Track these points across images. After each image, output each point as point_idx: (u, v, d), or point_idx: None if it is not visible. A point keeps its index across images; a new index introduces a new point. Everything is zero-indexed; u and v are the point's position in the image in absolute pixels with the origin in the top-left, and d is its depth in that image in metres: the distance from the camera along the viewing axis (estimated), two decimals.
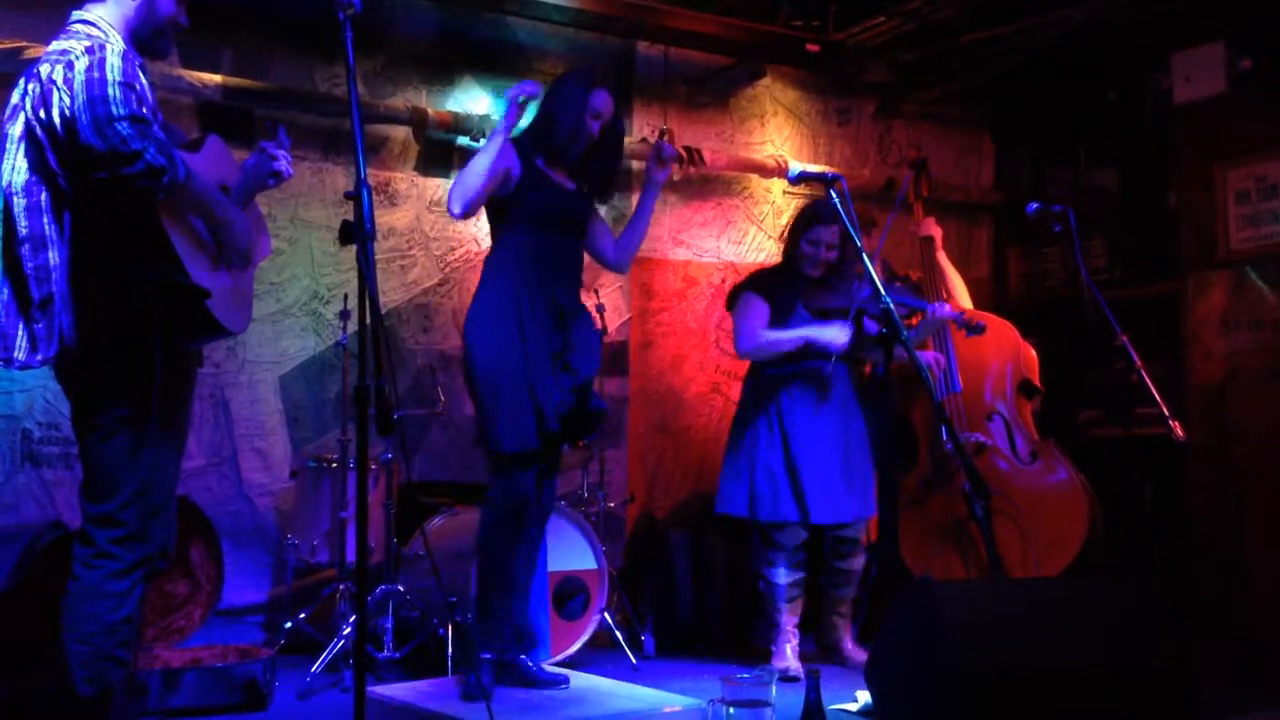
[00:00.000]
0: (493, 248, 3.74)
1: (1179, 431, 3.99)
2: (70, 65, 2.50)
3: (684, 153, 5.37)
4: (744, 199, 5.83)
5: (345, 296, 4.42)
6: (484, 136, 4.92)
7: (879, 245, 4.79)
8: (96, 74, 2.47)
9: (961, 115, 6.42)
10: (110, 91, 2.46)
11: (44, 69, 2.55)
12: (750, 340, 4.29)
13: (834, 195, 3.62)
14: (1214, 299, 5.20)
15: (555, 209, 3.69)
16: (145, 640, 3.74)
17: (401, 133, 4.99)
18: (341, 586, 4.09)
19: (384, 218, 4.90)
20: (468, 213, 3.58)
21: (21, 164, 2.58)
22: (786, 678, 3.99)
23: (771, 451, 4.25)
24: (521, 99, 3.53)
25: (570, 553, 4.29)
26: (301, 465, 4.43)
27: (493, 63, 5.19)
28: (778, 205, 5.90)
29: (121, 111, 2.45)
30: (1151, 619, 2.94)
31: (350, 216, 2.51)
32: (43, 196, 2.57)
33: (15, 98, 2.62)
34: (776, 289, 4.35)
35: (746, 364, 4.50)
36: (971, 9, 5.25)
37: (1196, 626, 4.84)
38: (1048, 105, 6.20)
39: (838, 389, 4.33)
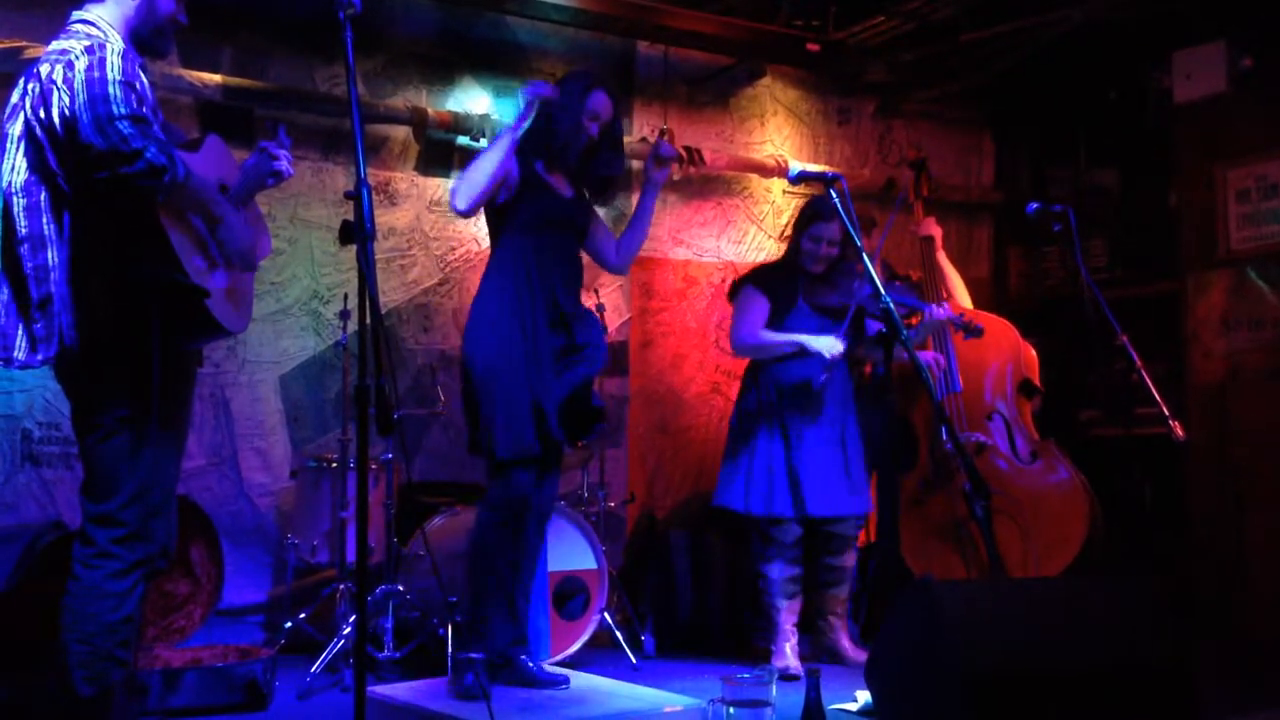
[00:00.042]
0: (493, 250, 3.75)
1: (1179, 431, 3.99)
2: (70, 65, 2.50)
3: (684, 152, 5.36)
4: (744, 199, 5.82)
5: (345, 296, 4.42)
6: (484, 136, 4.93)
7: (879, 245, 4.79)
8: (97, 73, 2.47)
9: (961, 115, 6.41)
10: (111, 90, 2.46)
11: (44, 69, 2.55)
12: (745, 337, 4.30)
13: (834, 195, 3.62)
14: (1214, 299, 5.20)
15: (553, 216, 3.69)
16: (145, 640, 3.74)
17: (401, 132, 4.98)
18: (342, 586, 4.09)
19: (384, 217, 4.90)
20: (473, 210, 3.58)
21: (21, 164, 2.58)
22: (786, 677, 3.99)
23: (771, 447, 4.25)
24: (536, 98, 3.53)
25: (570, 553, 4.29)
26: (302, 465, 4.44)
27: (493, 62, 5.18)
28: (778, 205, 5.90)
29: (122, 110, 2.45)
30: (1151, 619, 2.94)
31: (350, 216, 2.52)
32: (42, 196, 2.57)
33: (15, 97, 2.63)
34: (778, 284, 4.36)
35: (746, 362, 4.51)
36: (971, 8, 5.24)
37: (1196, 626, 4.83)
38: (1048, 105, 6.19)
39: (838, 388, 4.34)
